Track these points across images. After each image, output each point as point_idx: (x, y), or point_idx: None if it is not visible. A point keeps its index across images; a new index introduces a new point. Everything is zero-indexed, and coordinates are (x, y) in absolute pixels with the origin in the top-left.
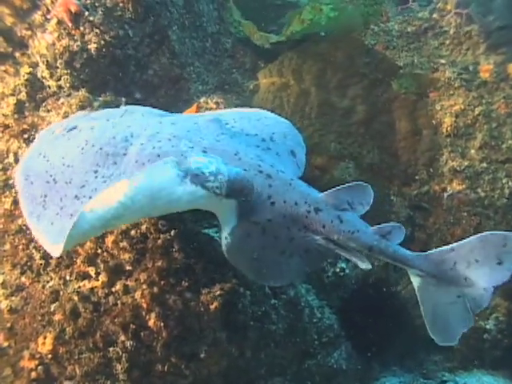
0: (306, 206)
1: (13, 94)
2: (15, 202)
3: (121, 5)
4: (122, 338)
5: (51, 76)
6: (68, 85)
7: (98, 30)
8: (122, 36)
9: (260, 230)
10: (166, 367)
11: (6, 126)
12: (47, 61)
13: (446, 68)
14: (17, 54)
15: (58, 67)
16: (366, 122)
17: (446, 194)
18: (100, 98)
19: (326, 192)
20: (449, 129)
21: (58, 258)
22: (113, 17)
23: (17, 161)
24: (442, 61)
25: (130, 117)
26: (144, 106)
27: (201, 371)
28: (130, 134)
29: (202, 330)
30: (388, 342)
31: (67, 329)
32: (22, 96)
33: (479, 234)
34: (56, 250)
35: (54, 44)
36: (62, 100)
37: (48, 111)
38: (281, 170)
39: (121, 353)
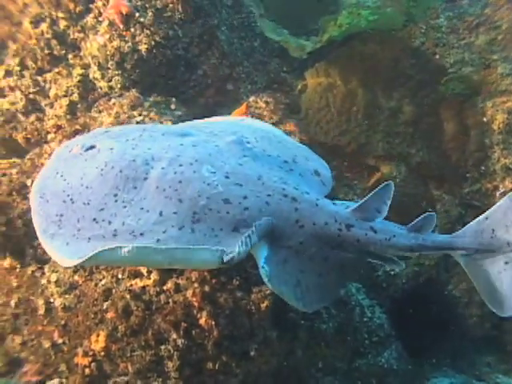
0: (336, 225)
1: (65, 95)
2: None
3: (170, 6)
4: (174, 336)
5: (102, 77)
6: (119, 85)
7: (148, 31)
8: (172, 36)
9: (294, 253)
10: (216, 365)
11: (59, 127)
12: (99, 62)
13: (498, 64)
14: (69, 56)
15: (109, 68)
16: (414, 122)
17: (498, 193)
18: (150, 99)
19: (353, 206)
20: (501, 126)
21: None
22: (163, 18)
23: None
24: (494, 56)
25: (149, 137)
26: (193, 106)
27: (251, 370)
28: (150, 156)
29: (252, 329)
30: (439, 342)
31: (119, 327)
32: (75, 97)
33: (507, 195)
34: (68, 263)
35: (105, 45)
36: (113, 100)
37: (99, 112)
38: (306, 191)
39: (172, 351)
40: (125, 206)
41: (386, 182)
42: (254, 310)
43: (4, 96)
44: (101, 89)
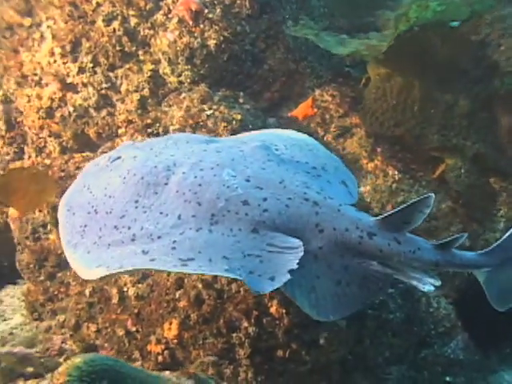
0: (358, 232)
1: (136, 91)
2: None
3: (238, 2)
4: (245, 324)
5: (172, 72)
6: (188, 80)
7: (217, 27)
8: (240, 32)
9: (312, 258)
10: (287, 353)
11: (130, 122)
12: (169, 58)
13: None
14: (140, 53)
15: (179, 64)
16: (469, 115)
17: None
18: (219, 93)
19: (379, 216)
20: None
21: None
22: (231, 13)
23: None
24: None
25: (174, 145)
26: (259, 100)
27: (320, 358)
28: (172, 163)
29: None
30: (506, 333)
31: (192, 315)
32: (145, 92)
33: None
34: (88, 275)
35: (175, 41)
36: (183, 95)
37: (170, 106)
38: (329, 196)
39: (244, 338)
40: (145, 212)
41: (426, 195)
42: None
43: (77, 92)
44: (170, 84)
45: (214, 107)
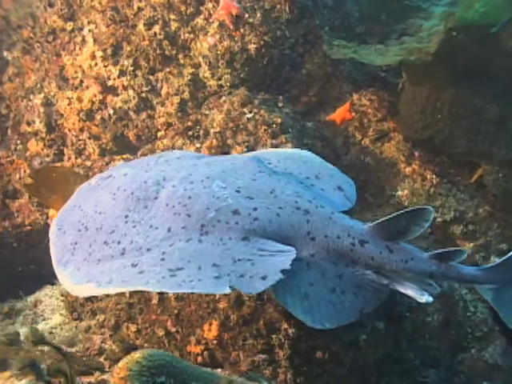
0: (349, 239)
1: (176, 94)
2: None
3: (278, 6)
4: (285, 325)
5: (212, 76)
6: (228, 84)
7: (257, 32)
8: (279, 36)
9: (304, 265)
10: (326, 355)
11: (170, 124)
12: (209, 61)
13: None
14: (180, 56)
15: (219, 67)
16: (497, 121)
17: None
18: (259, 96)
19: (371, 223)
20: None
21: None
22: (271, 18)
23: None
24: None
25: (164, 162)
26: (296, 104)
27: (358, 360)
28: (162, 177)
29: (361, 319)
30: None
31: (232, 316)
32: (185, 95)
33: None
34: (78, 291)
35: (215, 45)
36: (223, 98)
37: (210, 109)
38: (321, 204)
39: (283, 340)
40: (134, 226)
41: (422, 207)
42: None
43: (117, 95)
44: (210, 87)
45: (255, 110)
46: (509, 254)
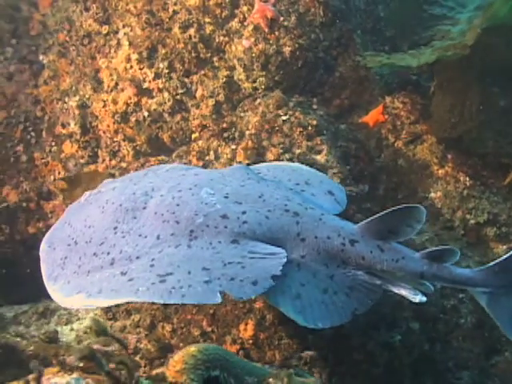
0: (340, 239)
1: (211, 96)
2: None
3: (312, 10)
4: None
5: (247, 78)
6: (263, 86)
7: (292, 35)
8: (313, 39)
9: (295, 266)
10: (361, 355)
11: (204, 126)
12: (244, 64)
13: None
14: (214, 59)
15: (253, 70)
16: None
17: None
18: (293, 99)
19: (361, 223)
20: None
21: None
22: (305, 21)
23: (217, 158)
24: None
25: (153, 174)
26: (328, 107)
27: (392, 361)
28: (151, 188)
29: (395, 320)
30: None
31: (267, 316)
32: (220, 97)
33: None
34: (68, 303)
35: (250, 48)
36: (258, 100)
37: (245, 111)
38: (310, 207)
39: (319, 340)
40: (124, 236)
41: (411, 205)
42: (397, 301)
43: (152, 97)
44: (245, 89)
45: (290, 113)
46: (504, 257)
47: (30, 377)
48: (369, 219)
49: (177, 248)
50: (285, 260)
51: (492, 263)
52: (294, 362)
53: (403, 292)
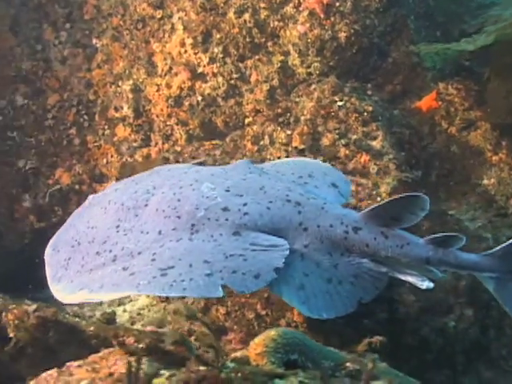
0: (342, 227)
1: (266, 81)
2: None
3: None
4: (378, 309)
5: (302, 64)
6: (317, 72)
7: (347, 20)
8: (369, 25)
9: (298, 256)
10: (415, 340)
11: (258, 111)
12: (299, 49)
13: None
14: (269, 44)
15: (308, 55)
16: None
17: None
18: (348, 85)
19: (363, 211)
20: None
21: None
22: (361, 7)
23: (272, 143)
24: None
25: (156, 174)
26: (381, 93)
27: (445, 347)
28: (152, 186)
29: (450, 306)
30: None
31: None
32: (275, 82)
33: None
34: (70, 299)
35: (305, 34)
36: (313, 86)
37: (299, 96)
38: (312, 197)
39: (374, 324)
40: (125, 234)
41: (414, 194)
42: (452, 287)
43: (206, 81)
44: (299, 75)
45: (345, 98)
46: (510, 241)
47: None
48: (371, 207)
49: (178, 242)
50: (287, 252)
51: (498, 247)
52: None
53: (410, 279)
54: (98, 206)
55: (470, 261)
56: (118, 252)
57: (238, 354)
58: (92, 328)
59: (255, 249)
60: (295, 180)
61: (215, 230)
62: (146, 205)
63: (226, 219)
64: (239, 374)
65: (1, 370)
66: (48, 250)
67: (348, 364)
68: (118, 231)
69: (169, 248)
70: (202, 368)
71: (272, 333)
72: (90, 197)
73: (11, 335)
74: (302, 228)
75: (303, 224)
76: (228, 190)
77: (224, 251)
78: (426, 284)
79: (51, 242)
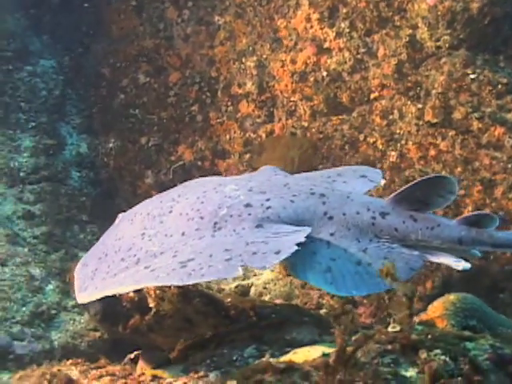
0: (369, 213)
1: (393, 55)
2: (400, 155)
3: None
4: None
5: (430, 37)
6: (447, 45)
7: None
8: None
9: (324, 245)
10: None
11: (384, 86)
12: (429, 22)
13: None
14: (396, 18)
15: (438, 28)
16: None
17: None
18: (479, 57)
19: (389, 196)
20: None
21: None
22: None
23: (401, 117)
24: None
25: (182, 186)
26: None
27: None
28: (177, 195)
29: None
30: None
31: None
32: (403, 57)
33: None
34: (90, 299)
35: (435, 6)
36: (443, 60)
37: (429, 70)
38: (338, 189)
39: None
40: (150, 239)
41: (441, 175)
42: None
43: (331, 57)
44: (428, 48)
45: (478, 71)
46: None
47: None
48: (397, 191)
49: (200, 239)
50: (309, 230)
51: None
52: None
53: (444, 260)
54: (126, 220)
55: (505, 238)
56: (141, 255)
57: (423, 317)
58: (229, 299)
59: (277, 236)
60: (323, 180)
61: (238, 224)
62: (171, 211)
63: (249, 214)
64: (429, 336)
65: (139, 339)
66: (78, 266)
67: None
68: (143, 238)
69: (191, 245)
70: (391, 330)
71: (451, 297)
72: (120, 215)
73: (151, 305)
74: (327, 217)
75: (328, 213)
76: (251, 190)
77: (245, 240)
78: (462, 265)
79: (82, 258)
